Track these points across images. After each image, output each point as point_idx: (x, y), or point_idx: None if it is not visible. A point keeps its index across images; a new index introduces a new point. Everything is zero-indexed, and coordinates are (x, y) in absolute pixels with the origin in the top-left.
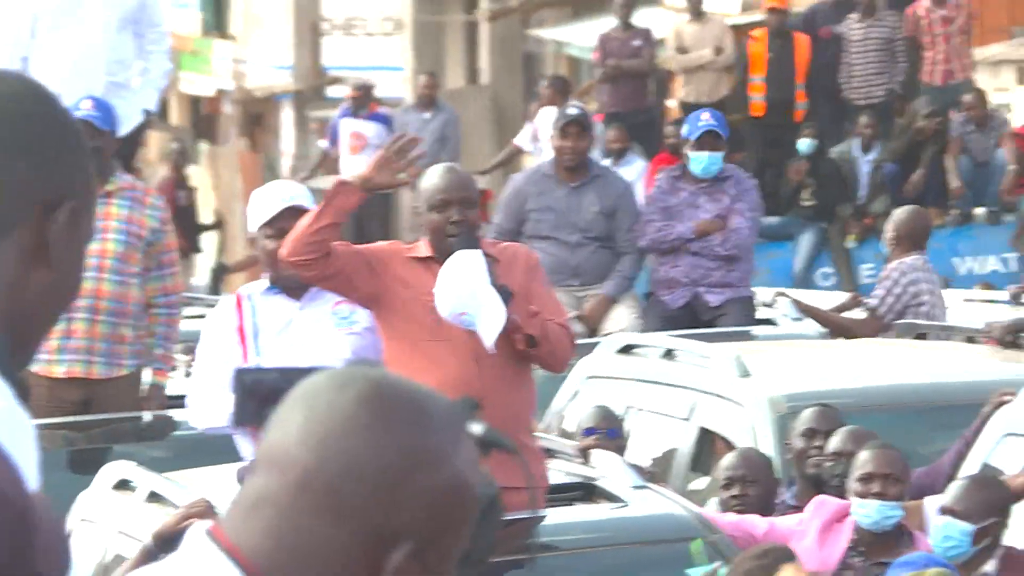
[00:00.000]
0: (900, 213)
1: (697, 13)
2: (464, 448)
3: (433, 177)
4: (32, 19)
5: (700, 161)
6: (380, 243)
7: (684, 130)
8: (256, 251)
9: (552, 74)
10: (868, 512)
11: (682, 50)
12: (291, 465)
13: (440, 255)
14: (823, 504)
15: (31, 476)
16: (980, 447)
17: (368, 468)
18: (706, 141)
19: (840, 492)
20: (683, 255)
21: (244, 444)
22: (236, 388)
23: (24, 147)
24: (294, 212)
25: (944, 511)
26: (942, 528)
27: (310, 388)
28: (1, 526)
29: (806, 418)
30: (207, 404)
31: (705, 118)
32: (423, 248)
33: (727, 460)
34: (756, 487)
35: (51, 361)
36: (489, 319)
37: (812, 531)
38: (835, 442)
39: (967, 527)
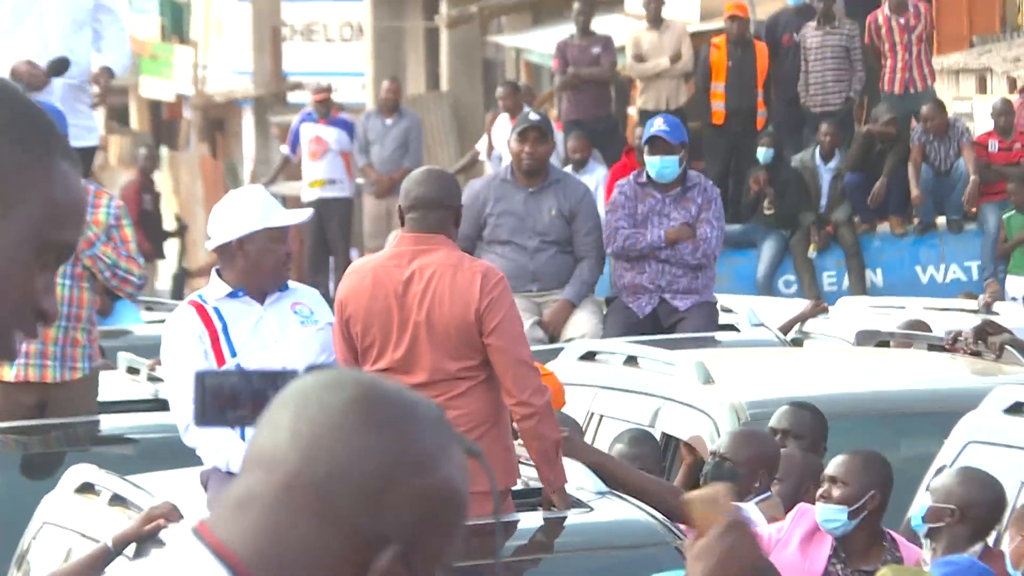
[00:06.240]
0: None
1: (656, 20)
2: (453, 453)
3: (416, 181)
4: None
5: (653, 165)
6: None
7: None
8: (247, 252)
9: (507, 79)
10: (816, 515)
11: (640, 58)
12: (278, 465)
13: None
14: (804, 512)
15: None
16: (944, 455)
17: (355, 471)
18: (657, 145)
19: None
20: (650, 262)
21: (205, 448)
22: (197, 390)
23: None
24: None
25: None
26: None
27: (300, 389)
28: None
29: (776, 417)
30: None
31: (657, 123)
32: None
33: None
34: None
35: (1, 365)
36: None
37: (794, 540)
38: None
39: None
